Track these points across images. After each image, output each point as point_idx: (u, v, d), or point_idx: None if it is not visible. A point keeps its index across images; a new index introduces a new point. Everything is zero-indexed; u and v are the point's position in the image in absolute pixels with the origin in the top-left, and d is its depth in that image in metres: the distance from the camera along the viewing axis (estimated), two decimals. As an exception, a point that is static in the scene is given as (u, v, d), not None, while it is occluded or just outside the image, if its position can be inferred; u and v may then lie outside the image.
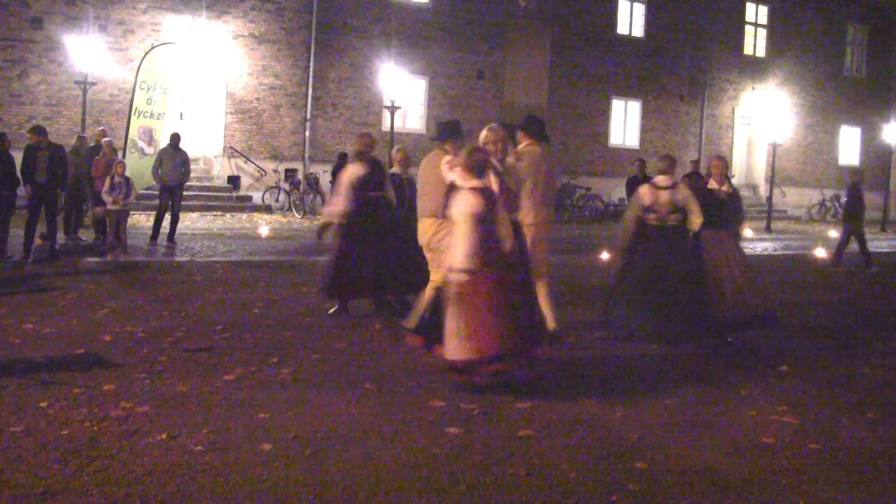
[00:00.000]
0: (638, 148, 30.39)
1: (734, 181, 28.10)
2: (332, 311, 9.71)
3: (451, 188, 6.97)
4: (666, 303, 8.73)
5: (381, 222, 9.56)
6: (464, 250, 6.60)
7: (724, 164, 9.41)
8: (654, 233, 9.06)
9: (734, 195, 9.36)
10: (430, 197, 8.16)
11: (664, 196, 8.99)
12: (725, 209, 9.19)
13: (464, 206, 6.70)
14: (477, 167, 6.80)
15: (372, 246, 9.43)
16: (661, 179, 9.10)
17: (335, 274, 9.51)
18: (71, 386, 6.39)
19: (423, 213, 8.35)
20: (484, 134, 7.85)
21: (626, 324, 8.98)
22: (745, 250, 9.87)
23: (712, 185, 9.28)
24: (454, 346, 6.62)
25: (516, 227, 7.49)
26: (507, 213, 7.07)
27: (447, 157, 7.95)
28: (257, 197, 24.24)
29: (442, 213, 7.73)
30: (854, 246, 16.84)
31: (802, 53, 34.13)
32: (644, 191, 9.18)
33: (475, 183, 6.76)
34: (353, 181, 9.41)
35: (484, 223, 6.65)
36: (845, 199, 17.93)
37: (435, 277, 8.09)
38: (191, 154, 17.59)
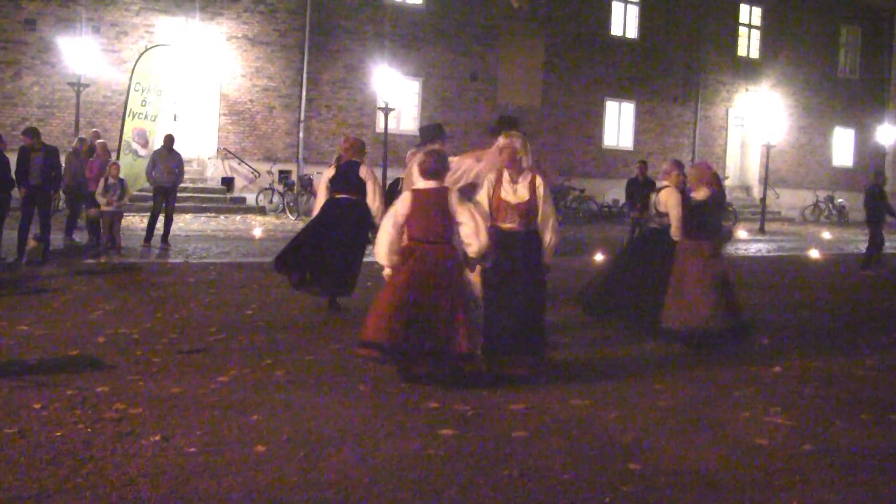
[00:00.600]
0: (632, 149, 30.47)
1: (728, 183, 28.14)
2: (329, 308, 9.85)
3: None
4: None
5: (339, 223, 9.69)
6: (377, 249, 6.99)
7: (699, 171, 9.19)
8: (643, 233, 9.29)
9: (705, 204, 8.98)
10: None
11: (651, 198, 9.14)
12: (696, 218, 8.95)
13: (395, 205, 7.04)
14: (427, 168, 6.94)
15: (321, 243, 9.65)
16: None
17: (282, 252, 9.97)
18: (65, 388, 6.38)
19: None
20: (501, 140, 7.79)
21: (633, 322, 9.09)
22: (739, 252, 9.84)
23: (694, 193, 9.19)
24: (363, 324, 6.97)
25: (529, 237, 7.41)
26: (485, 218, 7.07)
27: (417, 160, 8.04)
28: (251, 198, 24.22)
29: None
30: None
31: (796, 55, 34.19)
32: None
33: (423, 184, 6.96)
34: (324, 183, 10.02)
35: (417, 224, 6.89)
36: (865, 201, 17.30)
37: None
38: (184, 156, 17.57)
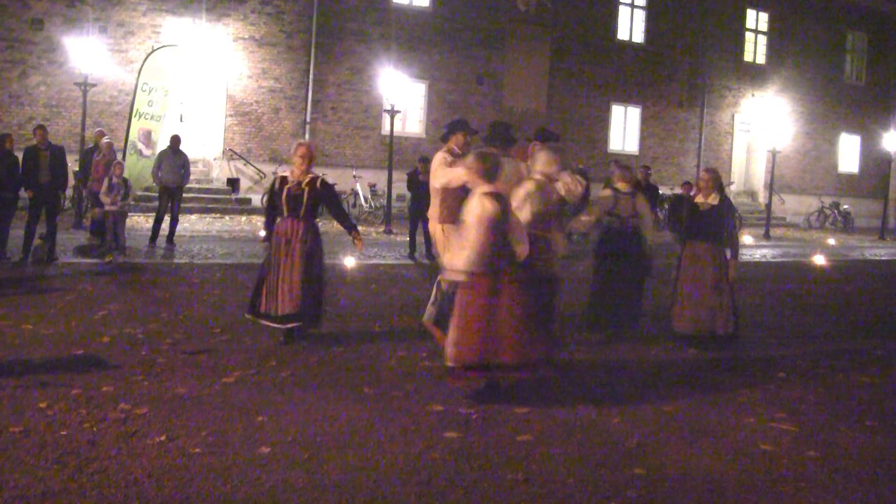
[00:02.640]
0: (637, 154, 30.42)
1: (733, 188, 28.10)
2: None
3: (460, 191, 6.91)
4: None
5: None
6: (469, 256, 6.41)
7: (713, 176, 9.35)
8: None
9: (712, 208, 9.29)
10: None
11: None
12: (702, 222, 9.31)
13: (487, 208, 6.47)
14: (490, 171, 6.56)
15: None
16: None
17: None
18: (69, 387, 6.39)
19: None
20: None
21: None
22: (744, 257, 9.85)
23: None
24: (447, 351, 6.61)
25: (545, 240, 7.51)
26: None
27: (438, 154, 8.19)
28: (256, 199, 24.19)
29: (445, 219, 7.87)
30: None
31: (802, 60, 34.16)
32: None
33: (490, 188, 6.54)
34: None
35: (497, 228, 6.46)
36: None
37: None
38: (190, 156, 17.58)
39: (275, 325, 8.21)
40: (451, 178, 7.97)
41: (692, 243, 9.19)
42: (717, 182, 9.26)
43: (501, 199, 6.58)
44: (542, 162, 7.77)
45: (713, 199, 9.15)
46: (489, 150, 7.32)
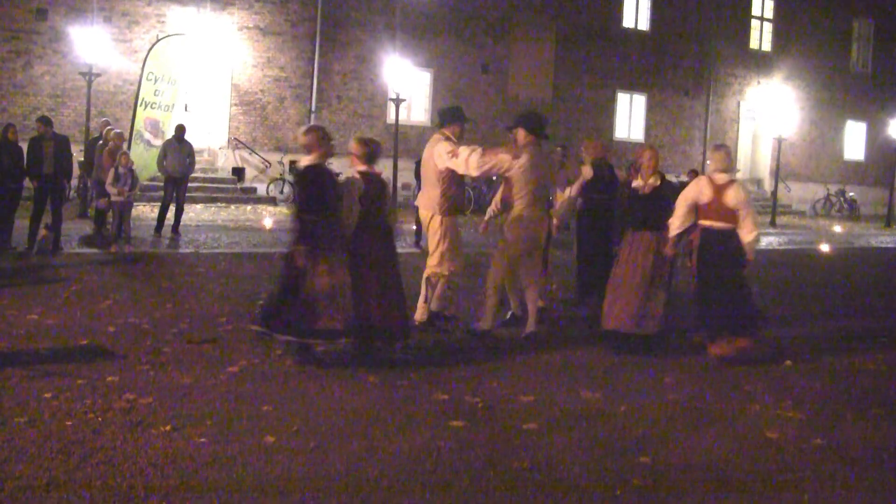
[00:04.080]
0: (643, 142, 30.34)
1: (738, 175, 28.04)
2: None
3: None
4: None
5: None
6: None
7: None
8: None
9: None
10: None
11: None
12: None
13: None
14: (371, 153, 7.66)
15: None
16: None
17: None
18: (75, 377, 6.39)
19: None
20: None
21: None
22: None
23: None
24: None
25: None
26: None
27: (442, 142, 8.29)
28: (262, 189, 24.22)
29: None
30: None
31: (808, 48, 34.01)
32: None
33: (365, 168, 7.61)
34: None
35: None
36: None
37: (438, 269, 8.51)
38: (195, 146, 17.55)
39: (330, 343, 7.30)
40: (493, 162, 8.27)
41: (630, 233, 8.33)
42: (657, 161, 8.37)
43: (368, 178, 7.56)
44: (725, 160, 8.01)
45: (655, 181, 8.28)
46: (371, 136, 8.13)
